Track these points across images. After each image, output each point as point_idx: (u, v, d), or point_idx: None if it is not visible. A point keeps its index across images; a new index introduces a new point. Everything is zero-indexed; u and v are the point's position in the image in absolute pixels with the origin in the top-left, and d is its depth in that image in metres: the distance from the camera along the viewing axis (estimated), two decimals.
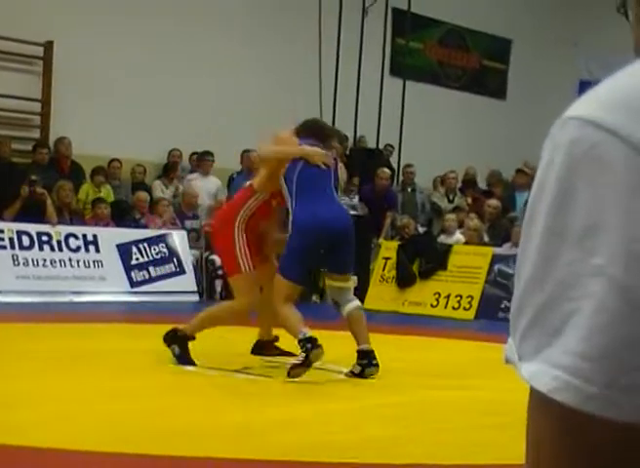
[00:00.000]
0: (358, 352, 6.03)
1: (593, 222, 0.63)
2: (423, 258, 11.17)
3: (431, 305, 10.98)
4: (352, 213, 13.15)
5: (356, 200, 13.38)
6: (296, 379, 5.68)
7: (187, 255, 11.54)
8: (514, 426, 4.37)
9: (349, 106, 13.96)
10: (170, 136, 12.66)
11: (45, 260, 10.59)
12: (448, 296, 10.91)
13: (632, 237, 0.61)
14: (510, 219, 12.44)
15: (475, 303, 10.78)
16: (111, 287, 10.82)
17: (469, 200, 13.48)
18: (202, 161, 12.76)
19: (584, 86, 16.29)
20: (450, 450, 4.26)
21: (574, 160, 0.64)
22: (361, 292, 11.73)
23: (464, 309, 10.82)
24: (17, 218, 10.62)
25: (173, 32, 12.87)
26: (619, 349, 0.61)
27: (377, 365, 6.00)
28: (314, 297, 11.97)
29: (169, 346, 6.25)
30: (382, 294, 11.15)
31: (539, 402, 0.66)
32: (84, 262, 10.83)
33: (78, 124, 11.93)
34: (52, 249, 10.70)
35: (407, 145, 14.48)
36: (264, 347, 6.71)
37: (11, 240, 10.42)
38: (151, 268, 11.23)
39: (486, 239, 11.85)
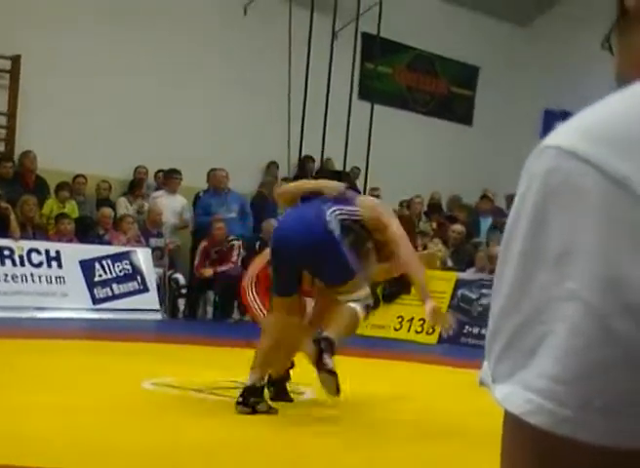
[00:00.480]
0: (317, 339, 5.35)
1: (568, 248, 0.63)
2: (388, 282, 11.18)
3: (394, 329, 11.00)
4: None
5: None
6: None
7: (151, 273, 11.48)
8: (475, 448, 4.38)
9: (317, 128, 14.01)
10: (136, 152, 12.62)
11: (7, 275, 10.49)
12: (411, 320, 10.93)
13: (606, 264, 0.62)
14: (474, 245, 12.53)
15: (438, 328, 10.79)
16: (74, 303, 10.73)
17: (434, 225, 13.56)
18: (169, 179, 12.72)
19: (549, 115, 16.50)
20: None
21: (550, 188, 0.65)
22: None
23: (427, 333, 10.85)
24: None
25: (141, 48, 12.85)
26: (592, 372, 0.62)
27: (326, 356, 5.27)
28: None
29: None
30: None
31: (512, 424, 0.66)
32: (46, 278, 10.74)
33: (44, 138, 11.86)
34: (14, 264, 10.60)
35: (374, 169, 14.54)
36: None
37: None
38: (114, 285, 11.15)
39: (450, 264, 11.91)
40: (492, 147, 16.48)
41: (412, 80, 16.31)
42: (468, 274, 11.21)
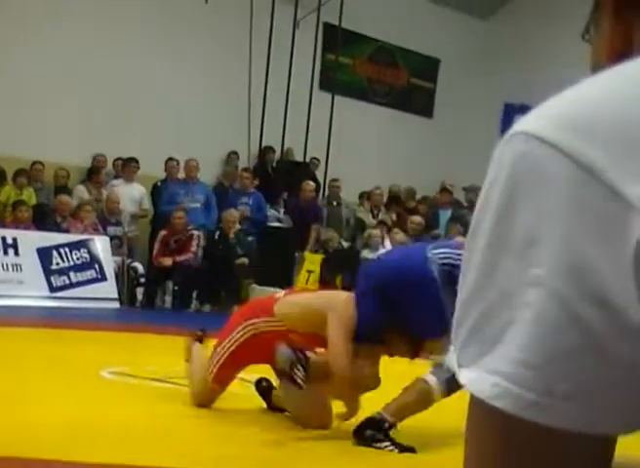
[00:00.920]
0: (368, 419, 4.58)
1: (534, 235, 0.64)
2: (346, 272, 11.24)
3: None
4: (277, 225, 13.23)
5: (281, 213, 13.43)
6: None
7: (109, 262, 11.41)
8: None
9: (278, 119, 13.99)
10: (95, 140, 12.53)
11: None
12: None
13: (571, 251, 0.62)
14: (433, 236, 12.59)
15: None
16: (30, 291, 10.63)
17: (394, 216, 13.62)
18: (126, 167, 12.65)
19: (509, 109, 16.62)
20: None
21: (517, 173, 0.65)
22: None
23: None
24: None
25: (97, 34, 12.74)
26: (557, 358, 0.63)
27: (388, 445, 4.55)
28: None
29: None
30: None
31: (478, 409, 0.67)
32: (3, 265, 10.63)
33: (0, 124, 11.73)
34: None
35: (334, 160, 14.57)
36: None
37: None
38: (72, 273, 11.07)
39: None
40: (451, 140, 16.57)
41: (372, 71, 16.34)
42: None
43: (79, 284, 11.07)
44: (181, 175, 12.82)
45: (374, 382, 4.74)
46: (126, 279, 11.66)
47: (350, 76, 15.92)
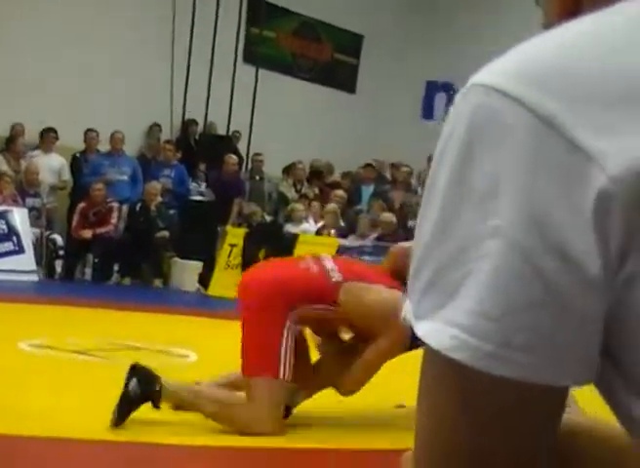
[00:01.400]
0: None
1: (493, 186, 0.63)
2: (270, 246, 11.26)
3: None
4: (199, 198, 13.16)
5: (204, 186, 13.36)
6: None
7: (28, 234, 11.22)
8: None
9: (201, 91, 13.88)
10: (13, 109, 12.27)
11: None
12: None
13: (531, 202, 0.62)
14: (356, 212, 12.68)
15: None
16: None
17: (316, 191, 13.65)
18: (45, 137, 12.44)
19: (431, 86, 16.76)
20: None
21: (476, 125, 0.64)
22: (206, 278, 11.77)
23: None
24: None
25: (17, 6, 12.47)
26: (516, 309, 0.62)
27: None
28: (157, 282, 11.88)
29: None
30: (227, 281, 11.12)
31: (433, 361, 0.66)
32: None
33: None
34: None
35: (257, 134, 14.52)
36: None
37: None
38: None
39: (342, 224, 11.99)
40: (374, 116, 16.64)
41: (296, 46, 16.30)
42: (350, 240, 11.35)
43: None
44: (105, 146, 12.65)
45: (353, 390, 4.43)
46: (45, 251, 11.49)
47: (274, 50, 15.86)
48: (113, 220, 11.66)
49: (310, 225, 11.88)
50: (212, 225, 12.24)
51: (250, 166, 14.35)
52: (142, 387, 4.10)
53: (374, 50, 16.81)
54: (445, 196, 0.65)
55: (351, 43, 16.92)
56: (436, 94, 16.63)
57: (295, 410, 4.48)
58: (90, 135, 12.70)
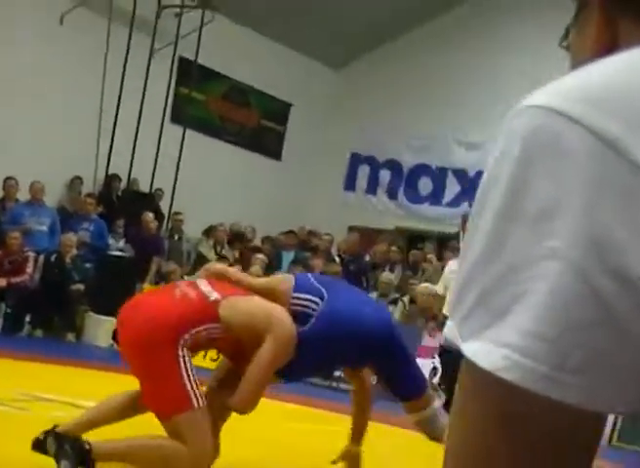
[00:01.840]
0: None
1: (551, 206, 0.62)
2: None
3: None
4: (118, 254, 13.00)
5: (122, 242, 13.21)
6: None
7: None
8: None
9: (127, 147, 13.82)
10: None
11: None
12: None
13: (592, 223, 0.61)
14: None
15: None
16: None
17: (237, 254, 13.62)
18: None
19: (355, 158, 17.00)
20: None
21: (533, 147, 0.64)
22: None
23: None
24: None
25: None
26: (572, 330, 0.61)
27: None
28: (69, 336, 11.63)
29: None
30: None
31: (477, 382, 0.65)
32: None
33: None
34: None
35: (180, 193, 14.48)
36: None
37: None
38: None
39: None
40: (299, 183, 16.76)
41: (225, 109, 16.39)
42: None
43: None
44: (24, 195, 12.46)
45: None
46: None
47: (202, 112, 15.92)
48: (29, 270, 11.43)
49: None
50: (129, 282, 12.08)
51: (170, 224, 14.27)
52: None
53: (301, 118, 17.01)
54: (497, 216, 0.64)
55: (279, 110, 17.09)
56: (359, 166, 16.87)
57: None
58: (9, 182, 12.51)
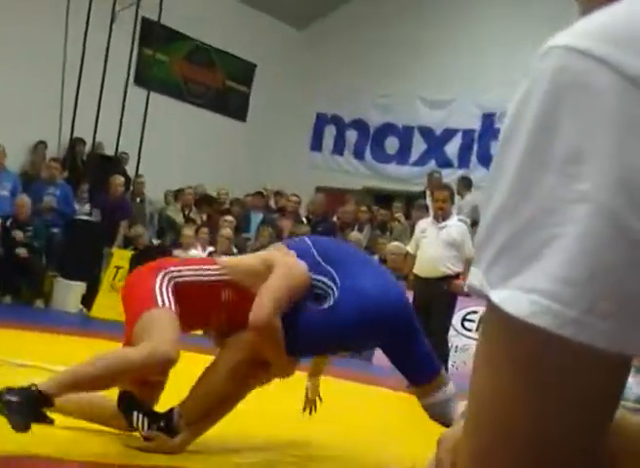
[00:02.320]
0: None
1: (580, 149, 0.61)
2: None
3: None
4: (85, 218, 12.88)
5: (88, 206, 13.09)
6: None
7: None
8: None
9: (91, 110, 13.65)
10: None
11: None
12: None
13: (623, 164, 0.60)
14: (244, 239, 12.64)
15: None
16: None
17: (204, 216, 13.55)
18: None
19: (321, 118, 16.92)
20: None
21: (559, 87, 0.63)
22: (90, 300, 11.49)
23: None
24: None
25: None
26: (601, 274, 0.61)
27: None
28: (38, 302, 11.55)
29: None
30: (112, 303, 10.90)
31: (506, 329, 0.64)
32: None
33: None
34: None
35: (146, 156, 14.34)
36: None
37: None
38: None
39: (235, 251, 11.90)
40: (264, 144, 16.68)
41: (189, 71, 16.23)
42: None
43: None
44: None
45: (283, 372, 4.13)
46: None
47: (166, 74, 15.75)
48: None
49: (199, 251, 11.78)
50: (97, 246, 12.00)
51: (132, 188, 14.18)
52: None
53: (266, 79, 16.89)
54: (523, 160, 0.64)
55: (244, 71, 16.95)
56: (325, 126, 16.80)
57: None
58: None
